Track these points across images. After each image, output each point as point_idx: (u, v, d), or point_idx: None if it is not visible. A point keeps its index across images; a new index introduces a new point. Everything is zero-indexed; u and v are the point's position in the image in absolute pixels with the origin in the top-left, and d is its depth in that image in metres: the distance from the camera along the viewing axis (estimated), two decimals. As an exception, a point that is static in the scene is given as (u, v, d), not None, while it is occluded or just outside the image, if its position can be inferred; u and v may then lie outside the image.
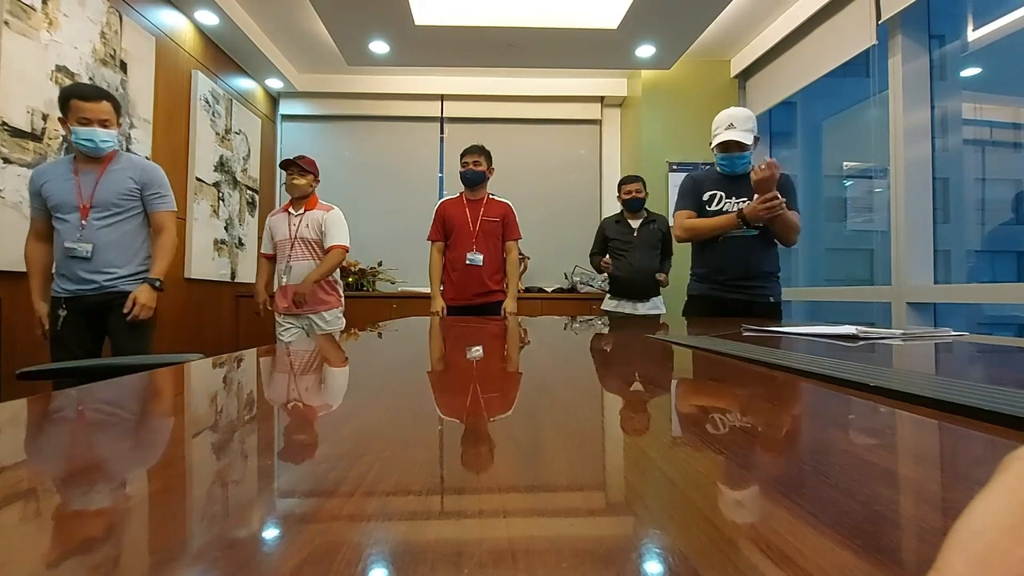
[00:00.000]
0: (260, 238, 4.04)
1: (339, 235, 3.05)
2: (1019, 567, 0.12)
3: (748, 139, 2.30)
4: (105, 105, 2.14)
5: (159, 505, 0.27)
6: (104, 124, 2.12)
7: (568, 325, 1.92)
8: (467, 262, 2.97)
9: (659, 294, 3.42)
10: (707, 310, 2.37)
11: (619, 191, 3.48)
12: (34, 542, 0.23)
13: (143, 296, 2.17)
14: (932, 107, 2.92)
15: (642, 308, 3.36)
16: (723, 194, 2.35)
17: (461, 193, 3.09)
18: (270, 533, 0.23)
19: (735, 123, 2.29)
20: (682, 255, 2.86)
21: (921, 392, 0.49)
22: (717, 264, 2.34)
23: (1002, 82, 3.06)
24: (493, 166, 3.07)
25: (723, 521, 0.24)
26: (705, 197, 2.37)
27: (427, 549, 0.21)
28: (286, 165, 3.05)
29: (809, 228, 4.55)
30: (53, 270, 2.21)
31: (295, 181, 3.02)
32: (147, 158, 3.13)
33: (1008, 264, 3.07)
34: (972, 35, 3.02)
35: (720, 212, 2.33)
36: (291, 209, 3.08)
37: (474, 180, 2.99)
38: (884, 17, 2.97)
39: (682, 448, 0.38)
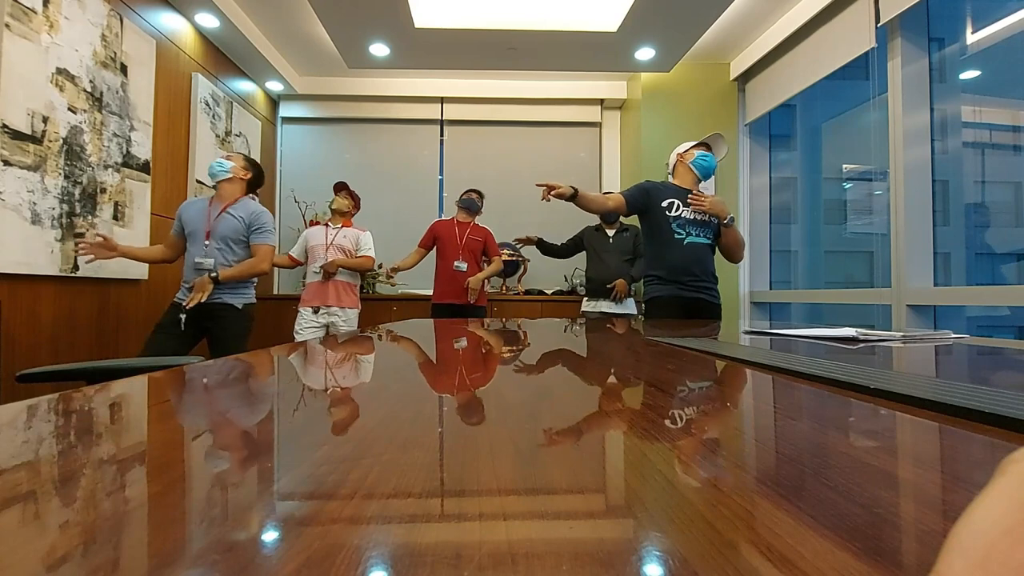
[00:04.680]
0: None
1: (371, 250, 3.60)
2: (1019, 569, 0.12)
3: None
4: (237, 155, 2.82)
5: (158, 508, 0.27)
6: (227, 158, 2.76)
7: (567, 327, 1.92)
8: (454, 268, 3.63)
9: (631, 296, 3.81)
10: (670, 310, 2.55)
11: None
12: (31, 544, 0.23)
13: (197, 284, 2.56)
14: (931, 110, 2.93)
15: (609, 307, 3.75)
16: (680, 202, 2.57)
17: (453, 217, 3.79)
18: (270, 536, 0.23)
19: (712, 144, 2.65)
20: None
21: (921, 394, 0.49)
22: (681, 266, 2.54)
23: (1001, 85, 3.07)
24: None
25: (723, 523, 0.24)
26: (664, 204, 2.57)
27: (426, 552, 0.21)
28: (339, 188, 3.61)
29: (809, 231, 4.58)
30: (182, 281, 2.68)
31: (343, 200, 3.55)
32: (148, 162, 3.15)
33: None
34: (971, 38, 3.03)
35: (680, 218, 2.55)
36: (329, 224, 3.57)
37: (473, 207, 3.74)
38: (883, 20, 2.98)
39: (681, 451, 0.38)
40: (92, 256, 2.48)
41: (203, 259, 2.64)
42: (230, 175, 2.70)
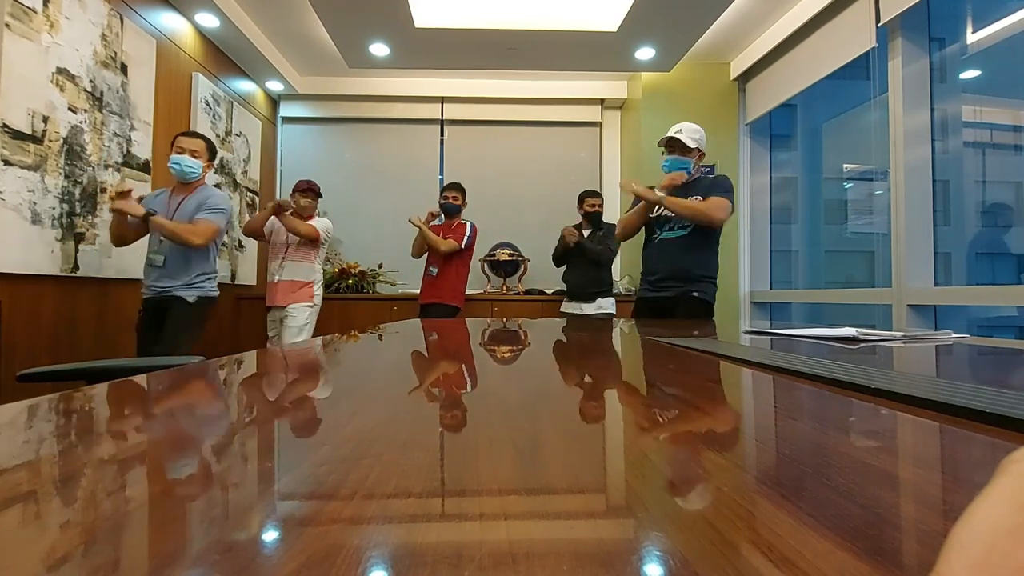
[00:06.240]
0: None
1: (325, 228, 3.51)
2: (1020, 570, 0.12)
3: (690, 143, 2.49)
4: (198, 141, 2.66)
5: (159, 508, 0.27)
6: (193, 154, 2.61)
7: (567, 327, 1.92)
8: (428, 272, 3.81)
9: (606, 296, 3.85)
10: (646, 310, 2.54)
11: (582, 203, 3.89)
12: (31, 544, 0.23)
13: (131, 204, 2.47)
14: (932, 109, 2.92)
15: (588, 308, 3.79)
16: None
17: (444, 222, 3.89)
18: (269, 536, 0.23)
19: (683, 130, 2.52)
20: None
21: (922, 394, 0.49)
22: (650, 266, 2.54)
23: (1002, 85, 3.07)
24: (467, 200, 3.89)
25: (724, 524, 0.24)
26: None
27: (427, 552, 0.21)
28: (304, 187, 3.49)
29: (809, 231, 4.57)
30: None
31: (307, 202, 3.48)
32: (148, 162, 3.15)
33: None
34: (972, 38, 3.03)
35: (658, 217, 2.51)
36: None
37: (451, 211, 3.79)
38: (884, 20, 2.97)
39: (682, 451, 0.38)
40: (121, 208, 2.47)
41: (155, 254, 2.58)
42: (201, 175, 2.66)
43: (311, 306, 3.46)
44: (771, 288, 4.43)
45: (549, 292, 4.68)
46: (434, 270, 3.81)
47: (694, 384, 0.73)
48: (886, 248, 3.06)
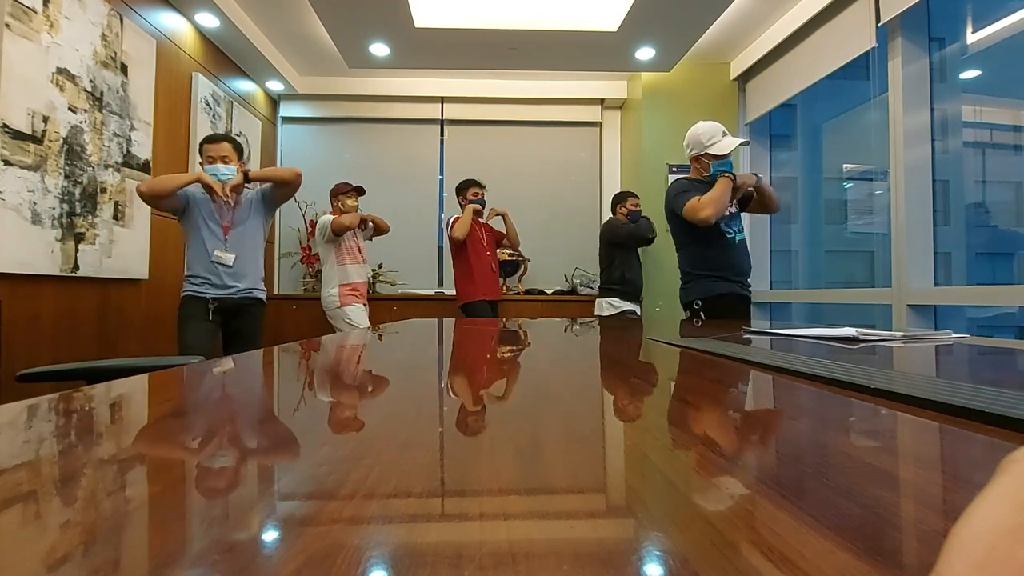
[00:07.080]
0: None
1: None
2: (1019, 570, 0.12)
3: None
4: (225, 145, 2.60)
5: (158, 508, 0.27)
6: (224, 160, 2.57)
7: (568, 327, 1.92)
8: (492, 269, 3.88)
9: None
10: (737, 309, 2.47)
11: (625, 203, 3.91)
12: (31, 544, 0.23)
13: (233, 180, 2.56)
14: (932, 109, 2.92)
15: (636, 308, 3.89)
16: None
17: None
18: (270, 536, 0.23)
19: (727, 130, 2.49)
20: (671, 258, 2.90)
21: (922, 394, 0.49)
22: (739, 265, 2.51)
23: (1002, 85, 3.07)
24: None
25: (724, 524, 0.24)
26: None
27: (427, 552, 0.21)
28: (352, 189, 3.66)
29: (809, 230, 4.57)
30: (196, 276, 2.58)
31: (350, 203, 3.64)
32: (148, 162, 3.15)
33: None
34: (972, 38, 3.03)
35: (726, 216, 2.48)
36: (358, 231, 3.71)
37: (484, 205, 3.89)
38: (884, 20, 2.97)
39: (682, 451, 0.38)
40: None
41: (223, 253, 2.57)
42: (239, 176, 2.65)
43: None
44: (771, 288, 4.43)
45: (549, 292, 4.69)
46: (494, 264, 3.90)
47: (694, 384, 0.73)
48: (886, 248, 3.06)
